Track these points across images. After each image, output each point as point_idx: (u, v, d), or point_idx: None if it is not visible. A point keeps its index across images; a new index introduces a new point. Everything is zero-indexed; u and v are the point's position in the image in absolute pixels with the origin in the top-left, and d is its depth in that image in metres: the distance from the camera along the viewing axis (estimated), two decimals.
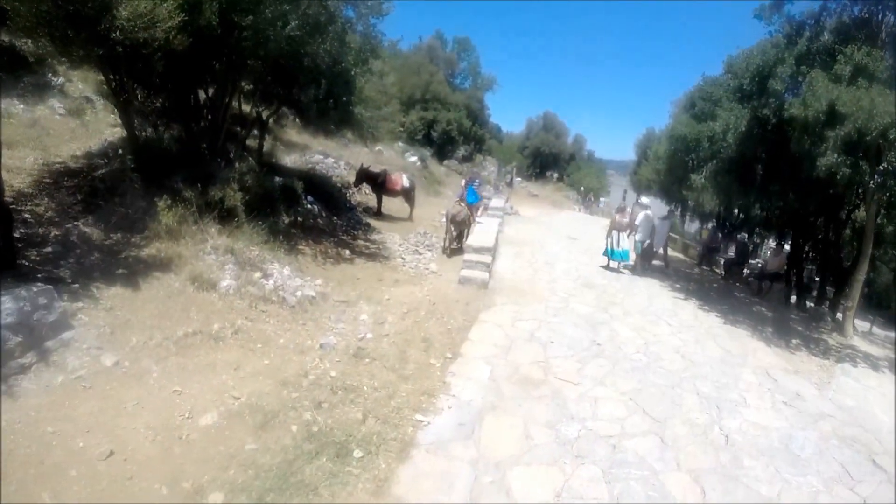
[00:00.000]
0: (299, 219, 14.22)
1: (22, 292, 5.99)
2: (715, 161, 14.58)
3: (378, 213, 19.85)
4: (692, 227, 36.35)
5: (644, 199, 21.12)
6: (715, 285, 18.29)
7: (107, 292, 7.39)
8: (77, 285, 7.24)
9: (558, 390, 7.65)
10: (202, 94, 13.07)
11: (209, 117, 12.78)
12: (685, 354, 9.89)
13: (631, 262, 17.30)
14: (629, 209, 17.88)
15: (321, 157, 23.07)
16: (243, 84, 13.29)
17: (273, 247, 10.88)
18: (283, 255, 11.05)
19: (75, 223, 8.87)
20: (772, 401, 8.43)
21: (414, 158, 32.89)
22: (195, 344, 7.17)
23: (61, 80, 14.86)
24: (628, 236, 16.72)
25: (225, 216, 10.65)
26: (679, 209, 33.45)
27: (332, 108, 14.10)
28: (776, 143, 13.19)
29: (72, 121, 13.50)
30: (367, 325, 9.13)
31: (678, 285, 16.28)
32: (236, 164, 11.68)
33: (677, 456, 6.44)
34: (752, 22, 13.88)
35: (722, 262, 22.04)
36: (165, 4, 8.25)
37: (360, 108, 14.24)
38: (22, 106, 13.01)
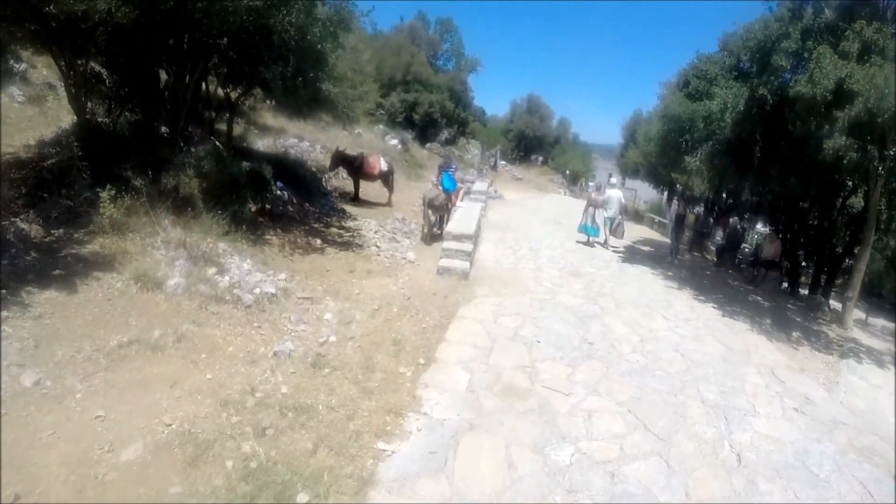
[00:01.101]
0: (267, 206, 13.37)
1: None
2: (711, 142, 13.76)
3: (355, 199, 19.01)
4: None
5: (613, 179, 22.30)
6: (707, 272, 17.51)
7: (39, 297, 6.75)
8: (5, 291, 6.57)
9: (547, 402, 6.72)
10: (164, 76, 12.36)
11: (169, 99, 11.97)
12: (685, 353, 9.02)
13: (601, 238, 18.31)
14: (605, 188, 19.33)
15: (296, 140, 22.22)
16: (207, 63, 12.34)
17: (235, 238, 10.12)
18: (247, 246, 10.30)
19: (13, 219, 8.19)
20: (782, 407, 7.63)
21: (395, 142, 32.05)
22: (130, 356, 6.29)
23: (24, 66, 14.24)
24: (604, 214, 18.08)
25: (181, 205, 9.88)
26: (666, 192, 32.84)
27: (300, 87, 13.09)
28: (775, 123, 12.46)
29: (31, 108, 12.84)
30: (332, 326, 8.20)
31: (670, 273, 15.48)
32: (192, 149, 10.65)
33: (686, 482, 5.57)
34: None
35: (714, 248, 21.31)
36: None
37: (328, 86, 13.15)
38: None
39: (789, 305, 14.53)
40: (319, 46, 11.97)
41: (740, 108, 12.87)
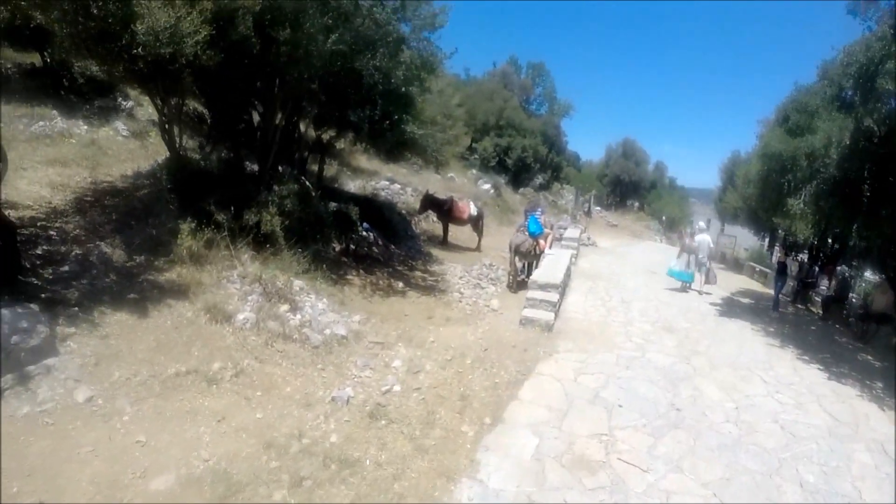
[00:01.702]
0: (352, 246, 13.35)
1: (3, 312, 5.65)
2: (815, 182, 12.71)
3: (444, 243, 18.93)
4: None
5: (702, 224, 21.34)
6: (812, 328, 16.24)
7: (110, 318, 6.95)
8: (77, 308, 6.84)
9: (620, 478, 6.02)
10: (256, 116, 12.58)
11: (259, 139, 12.14)
12: (785, 424, 8.08)
13: (696, 285, 18.17)
14: (696, 234, 18.88)
15: (387, 183, 22.41)
16: (297, 105, 12.56)
17: (314, 277, 10.14)
18: (326, 285, 10.33)
19: (98, 243, 8.54)
20: (892, 493, 6.63)
21: (487, 186, 32.09)
22: (184, 385, 6.34)
23: (131, 104, 15.25)
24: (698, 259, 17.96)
25: (261, 242, 10.03)
26: (767, 239, 31.21)
27: (387, 130, 13.05)
28: (886, 157, 11.40)
29: (133, 142, 13.53)
30: (398, 375, 7.85)
31: (772, 329, 14.39)
32: (275, 187, 10.70)
33: None
34: (843, 22, 12.11)
35: (820, 299, 19.88)
36: (189, 18, 7.83)
37: (414, 128, 12.99)
38: (85, 127, 13.33)
39: None
40: (404, 89, 11.89)
41: (846, 142, 11.85)
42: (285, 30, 9.19)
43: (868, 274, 23.34)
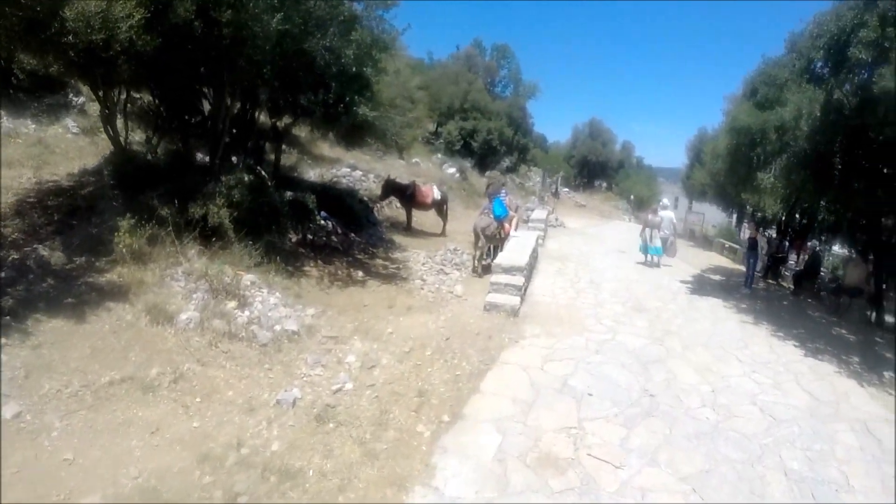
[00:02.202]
0: (309, 236, 12.72)
1: None
2: (785, 155, 12.38)
3: (407, 229, 18.44)
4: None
5: (665, 201, 23.77)
6: (785, 303, 15.95)
7: (44, 325, 6.51)
8: (10, 317, 6.41)
9: (591, 477, 5.46)
10: (207, 104, 12.05)
11: (209, 128, 11.67)
12: (765, 406, 7.63)
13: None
14: (658, 210, 20.21)
15: (348, 170, 21.82)
16: (247, 91, 12.04)
17: (267, 270, 9.62)
18: (281, 278, 9.81)
19: (36, 246, 8.09)
20: (881, 477, 6.22)
21: (452, 170, 31.66)
22: (118, 395, 5.84)
23: (83, 99, 14.59)
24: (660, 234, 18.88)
25: (209, 236, 9.47)
26: (735, 215, 31.13)
27: (342, 114, 12.44)
28: (857, 129, 11.07)
29: (83, 139, 12.95)
30: (351, 371, 7.30)
31: (744, 305, 14.07)
32: (222, 178, 10.09)
33: None
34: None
35: (791, 274, 19.66)
36: (122, 1, 7.30)
37: (366, 110, 12.37)
38: (34, 126, 12.84)
39: (878, 339, 12.86)
40: (357, 70, 11.29)
41: (816, 114, 11.51)
42: (227, 11, 8.62)
43: (837, 248, 23.29)
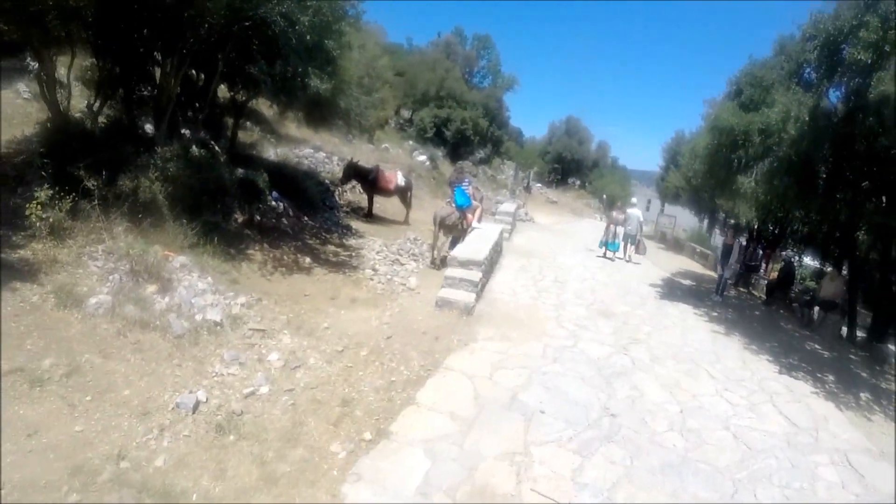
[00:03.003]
0: (257, 217, 11.69)
1: None
2: (769, 159, 11.71)
3: (368, 215, 17.53)
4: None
5: (633, 199, 23.92)
6: (756, 313, 15.30)
7: None
8: None
9: None
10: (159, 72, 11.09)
11: (156, 96, 10.89)
12: (739, 432, 6.80)
13: (622, 254, 19.74)
14: (626, 209, 21.31)
15: (311, 151, 20.95)
16: (212, 61, 11.29)
17: (203, 251, 8.70)
18: (220, 261, 8.89)
19: None
20: None
21: (423, 158, 31.08)
22: (2, 388, 4.95)
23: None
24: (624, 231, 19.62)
25: (141, 211, 8.48)
26: (707, 220, 30.74)
27: (298, 88, 11.48)
28: (846, 137, 10.50)
29: (33, 105, 11.87)
30: (271, 371, 6.37)
31: (715, 313, 13.36)
32: (157, 149, 9.11)
33: None
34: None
35: (764, 284, 19.05)
36: None
37: (318, 82, 11.34)
38: None
39: (851, 356, 12.22)
40: (314, 40, 10.32)
41: (805, 118, 10.85)
42: None
43: (808, 260, 22.77)
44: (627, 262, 19.32)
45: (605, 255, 19.22)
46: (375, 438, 5.28)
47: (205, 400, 5.47)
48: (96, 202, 7.78)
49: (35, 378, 5.11)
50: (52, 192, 7.22)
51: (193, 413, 5.24)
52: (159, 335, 6.43)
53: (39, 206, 7.02)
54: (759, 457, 6.27)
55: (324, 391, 6.06)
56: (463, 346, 7.90)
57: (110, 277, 7.01)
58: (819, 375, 9.85)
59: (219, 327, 7.04)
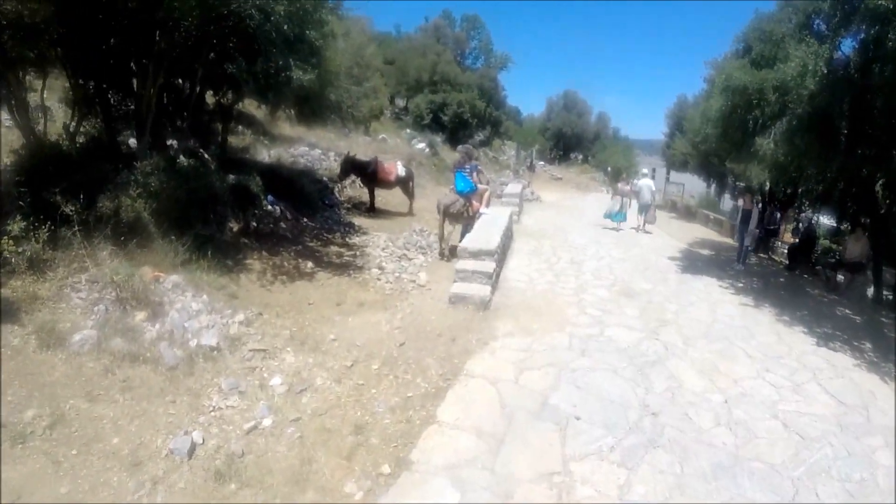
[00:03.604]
0: (253, 224, 11.15)
1: None
2: (786, 118, 11.04)
3: (371, 210, 17.03)
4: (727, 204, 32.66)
5: (644, 170, 24.12)
6: (781, 279, 14.74)
7: None
8: None
9: None
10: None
11: (134, 108, 10.30)
12: (787, 419, 6.20)
13: (628, 222, 20.28)
14: (632, 179, 22.91)
15: (306, 149, 20.33)
16: (191, 64, 10.81)
17: (198, 267, 8.10)
18: (216, 276, 8.30)
19: None
20: None
21: (422, 145, 30.59)
22: None
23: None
24: (630, 203, 20.68)
25: (126, 232, 7.85)
26: (716, 185, 30.15)
27: (283, 84, 10.88)
28: (864, 89, 9.90)
29: (14, 133, 10.84)
30: (274, 399, 5.74)
31: (740, 284, 12.81)
32: (136, 164, 8.56)
33: None
34: None
35: (784, 248, 18.45)
36: None
37: (300, 74, 10.63)
38: None
39: (883, 319, 11.69)
40: (293, 32, 9.71)
41: (823, 70, 10.21)
42: None
43: (823, 220, 22.11)
44: (637, 231, 19.72)
45: (615, 228, 19.42)
46: (395, 471, 4.64)
47: (201, 441, 4.88)
48: (76, 228, 7.18)
49: (17, 433, 4.55)
50: (25, 223, 6.65)
51: (189, 458, 4.65)
52: (150, 368, 5.83)
53: (11, 241, 6.41)
54: (814, 447, 5.68)
55: (334, 417, 5.47)
56: (482, 347, 7.30)
57: (95, 309, 6.40)
58: (856, 344, 9.30)
59: (215, 352, 6.46)
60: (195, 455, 4.72)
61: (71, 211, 7.23)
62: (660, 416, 5.91)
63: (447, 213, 12.17)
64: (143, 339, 6.23)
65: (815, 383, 7.38)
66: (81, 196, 7.77)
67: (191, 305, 7.22)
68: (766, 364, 7.81)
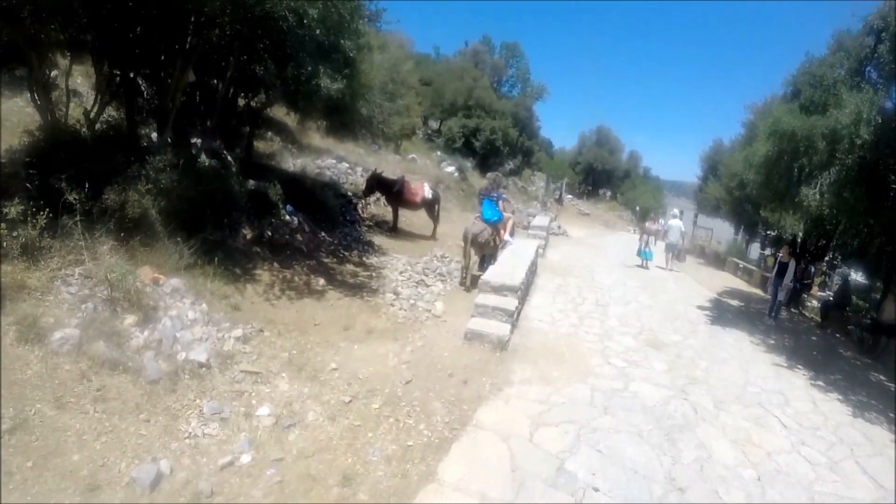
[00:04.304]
0: (268, 233, 10.70)
1: None
2: (835, 168, 10.44)
3: (393, 230, 16.55)
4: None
5: (675, 211, 23.85)
6: (813, 338, 14.03)
7: None
8: None
9: None
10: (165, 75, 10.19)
11: (157, 101, 10.24)
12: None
13: (660, 264, 21.00)
14: (660, 219, 24.02)
15: (334, 161, 20.05)
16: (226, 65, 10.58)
17: (203, 273, 7.72)
18: (221, 283, 7.88)
19: None
20: None
21: (451, 168, 30.17)
22: None
23: (55, 72, 12.41)
24: (656, 242, 21.99)
25: (131, 228, 7.43)
26: (742, 231, 29.60)
27: (314, 91, 10.46)
28: None
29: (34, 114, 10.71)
30: (258, 432, 5.19)
31: (772, 341, 12.11)
32: (148, 157, 8.13)
33: None
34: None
35: (816, 304, 17.72)
36: None
37: (328, 83, 10.15)
38: None
39: None
40: (327, 39, 9.38)
41: (878, 120, 9.70)
42: None
43: (855, 276, 21.30)
44: (667, 270, 20.51)
45: (642, 265, 20.32)
46: None
47: (169, 472, 4.33)
48: (78, 218, 6.78)
49: None
50: (24, 207, 6.25)
51: (151, 491, 4.11)
52: (130, 379, 5.33)
53: (5, 224, 6.03)
54: None
55: (321, 462, 4.84)
56: (496, 393, 6.68)
57: (83, 306, 5.95)
58: (891, 415, 8.63)
59: (204, 369, 5.94)
60: (158, 488, 4.21)
61: (75, 199, 6.86)
62: (687, 494, 5.25)
63: (474, 243, 11.65)
64: (129, 345, 5.80)
65: (853, 461, 6.74)
66: (87, 185, 7.37)
67: (187, 314, 6.80)
68: (802, 436, 7.15)
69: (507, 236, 12.72)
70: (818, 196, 10.81)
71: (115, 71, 9.63)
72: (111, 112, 10.19)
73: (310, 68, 9.48)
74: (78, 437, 4.48)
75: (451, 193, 25.08)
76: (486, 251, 12.35)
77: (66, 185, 7.04)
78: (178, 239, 7.77)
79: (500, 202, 12.45)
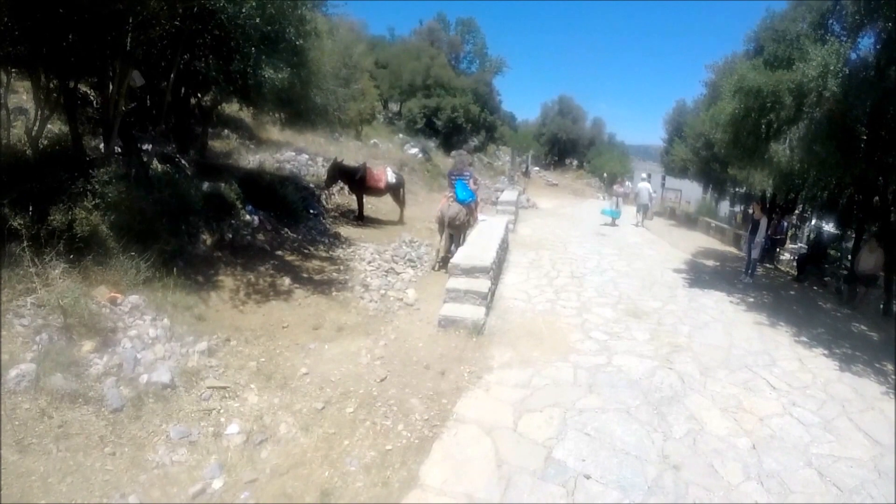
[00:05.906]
0: (229, 236, 10.27)
1: None
2: (803, 123, 10.30)
3: (359, 218, 16.16)
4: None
5: (643, 174, 26.80)
6: (791, 292, 13.97)
7: None
8: None
9: None
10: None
11: (100, 109, 9.64)
12: (823, 468, 5.36)
13: (632, 221, 23.74)
14: (626, 182, 27.38)
15: (293, 154, 19.40)
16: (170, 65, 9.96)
17: (161, 286, 7.28)
18: (183, 294, 7.47)
19: None
20: None
21: (415, 150, 29.88)
22: None
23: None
24: (625, 202, 25.22)
25: (82, 248, 6.98)
26: (711, 189, 29.75)
27: (260, 83, 10.04)
28: (888, 92, 9.36)
29: None
30: (230, 453, 4.86)
31: (751, 299, 12.03)
32: (91, 171, 7.70)
33: None
34: None
35: (793, 258, 17.73)
36: None
37: (272, 73, 9.72)
38: None
39: None
40: (259, 21, 8.88)
41: (846, 71, 9.57)
42: None
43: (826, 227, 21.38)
44: (637, 226, 23.19)
45: (612, 223, 22.71)
46: None
47: None
48: (25, 244, 6.31)
49: None
50: None
51: None
52: (92, 411, 4.97)
53: None
54: (854, 499, 4.92)
55: (297, 478, 4.53)
56: (476, 382, 6.41)
57: (37, 338, 5.53)
58: (878, 366, 8.59)
59: (168, 390, 5.59)
60: None
61: (20, 225, 6.47)
62: (682, 471, 5.02)
63: (451, 226, 11.38)
64: (88, 374, 5.41)
65: (846, 418, 6.62)
66: (31, 208, 6.96)
67: (148, 331, 6.41)
68: (793, 397, 7.00)
69: (479, 215, 12.48)
70: (788, 151, 10.66)
71: (51, 81, 9.14)
72: (60, 126, 9.75)
73: (253, 60, 9.07)
74: (43, 481, 4.15)
75: (417, 175, 24.76)
76: (462, 232, 12.10)
77: (10, 210, 6.64)
78: (133, 253, 7.34)
79: (470, 181, 12.19)
